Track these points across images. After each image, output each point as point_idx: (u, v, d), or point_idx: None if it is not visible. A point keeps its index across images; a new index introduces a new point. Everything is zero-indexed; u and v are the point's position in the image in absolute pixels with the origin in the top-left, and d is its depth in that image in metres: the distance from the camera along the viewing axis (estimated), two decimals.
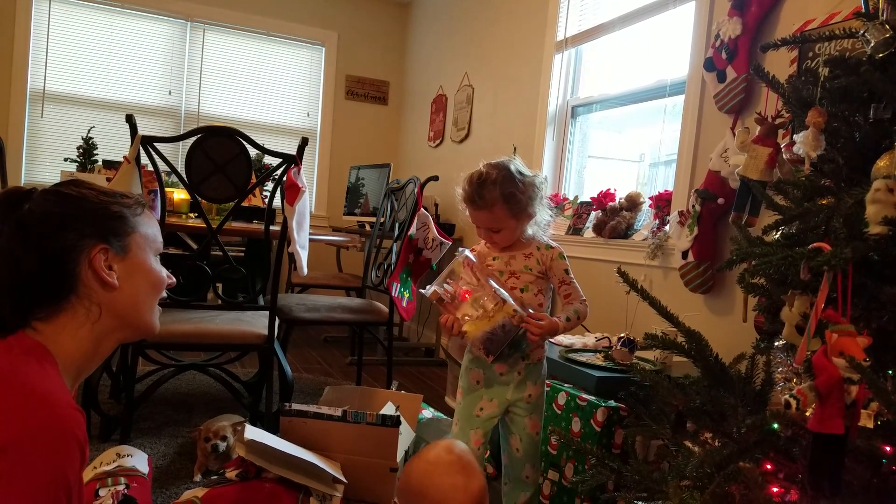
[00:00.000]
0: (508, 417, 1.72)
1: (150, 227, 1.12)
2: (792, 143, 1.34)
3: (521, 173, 1.64)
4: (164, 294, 1.14)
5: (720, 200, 2.25)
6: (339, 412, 2.04)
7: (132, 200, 1.09)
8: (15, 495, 0.79)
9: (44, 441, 0.83)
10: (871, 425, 0.97)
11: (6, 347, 0.95)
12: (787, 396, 1.02)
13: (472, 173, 1.66)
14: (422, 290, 1.64)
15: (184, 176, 2.20)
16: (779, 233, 1.32)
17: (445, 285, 1.62)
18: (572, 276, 1.72)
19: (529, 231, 1.72)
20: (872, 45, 1.14)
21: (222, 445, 2.08)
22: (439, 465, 1.35)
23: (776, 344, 1.36)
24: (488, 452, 2.18)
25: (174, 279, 1.17)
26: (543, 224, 1.72)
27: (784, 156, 1.42)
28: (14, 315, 0.98)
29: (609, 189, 3.08)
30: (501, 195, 1.60)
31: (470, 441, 1.70)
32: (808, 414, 1.03)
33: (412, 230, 2.72)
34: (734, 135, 2.21)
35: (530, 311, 1.61)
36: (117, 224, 1.05)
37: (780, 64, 2.09)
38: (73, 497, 0.86)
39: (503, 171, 1.63)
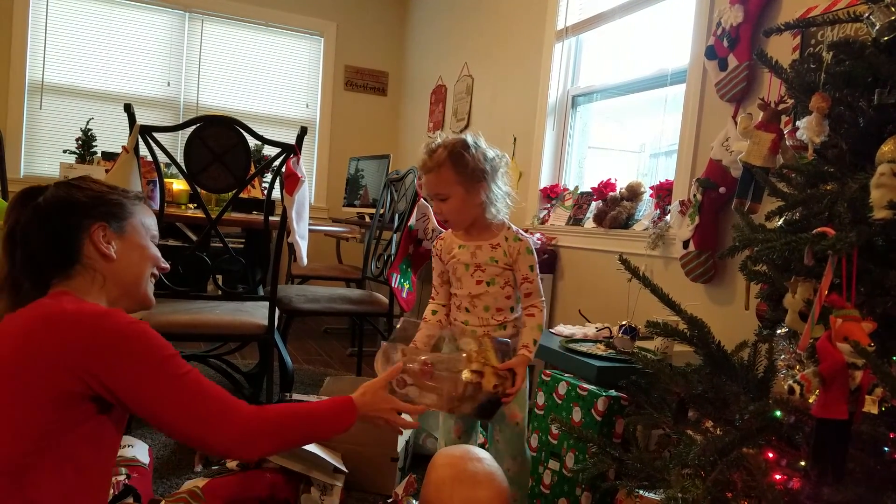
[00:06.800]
0: None
1: (146, 217, 1.29)
2: (795, 128, 1.33)
3: (476, 143, 1.62)
4: (157, 274, 1.30)
5: (721, 189, 2.24)
6: None
7: (132, 195, 1.28)
8: (151, 345, 1.09)
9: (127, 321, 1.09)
10: (875, 411, 0.96)
11: (38, 302, 1.12)
12: (790, 382, 1.01)
13: (430, 140, 1.65)
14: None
15: (182, 166, 2.19)
16: (782, 219, 1.31)
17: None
18: (537, 272, 1.67)
19: (490, 214, 1.65)
20: (877, 27, 1.12)
21: None
22: (453, 481, 1.32)
23: (778, 332, 1.35)
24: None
25: (167, 264, 1.32)
26: (500, 198, 1.65)
27: (787, 142, 1.41)
28: (34, 285, 1.16)
29: (610, 179, 3.07)
30: (449, 155, 1.58)
31: (451, 430, 1.73)
32: (811, 400, 1.02)
33: (412, 221, 2.72)
34: (736, 123, 2.20)
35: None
36: (116, 209, 1.23)
37: (783, 52, 2.07)
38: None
39: (458, 137, 1.62)
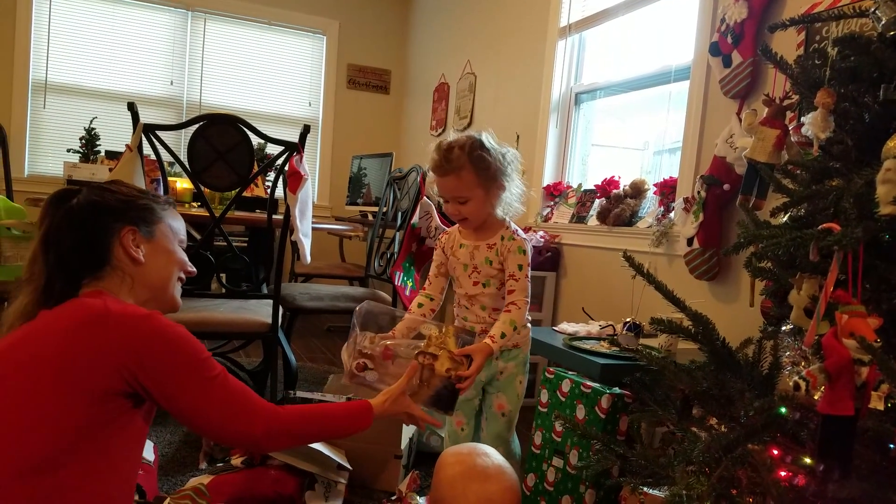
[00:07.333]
0: (483, 397, 1.72)
1: (175, 221, 1.33)
2: (800, 124, 1.32)
3: (490, 142, 1.60)
4: (184, 278, 1.32)
5: (726, 186, 2.23)
6: (343, 400, 2.04)
7: (162, 199, 1.32)
8: (189, 348, 1.14)
9: (164, 322, 1.13)
10: (881, 407, 0.95)
11: (78, 301, 1.14)
12: (796, 379, 1.01)
13: (441, 140, 1.62)
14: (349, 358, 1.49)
15: (186, 164, 2.19)
16: (787, 215, 1.31)
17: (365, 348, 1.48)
18: (526, 273, 1.64)
19: (500, 211, 1.64)
20: (883, 22, 1.12)
21: None
22: (464, 477, 1.31)
23: (783, 328, 1.34)
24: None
25: (194, 268, 1.35)
26: (515, 198, 1.65)
27: (792, 138, 1.40)
28: (66, 283, 1.18)
29: (613, 176, 3.06)
30: (469, 158, 1.56)
31: (453, 423, 1.72)
32: (816, 397, 1.02)
33: (415, 219, 2.71)
34: (740, 120, 2.19)
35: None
36: (146, 214, 1.27)
37: (787, 48, 2.07)
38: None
39: (472, 137, 1.60)
